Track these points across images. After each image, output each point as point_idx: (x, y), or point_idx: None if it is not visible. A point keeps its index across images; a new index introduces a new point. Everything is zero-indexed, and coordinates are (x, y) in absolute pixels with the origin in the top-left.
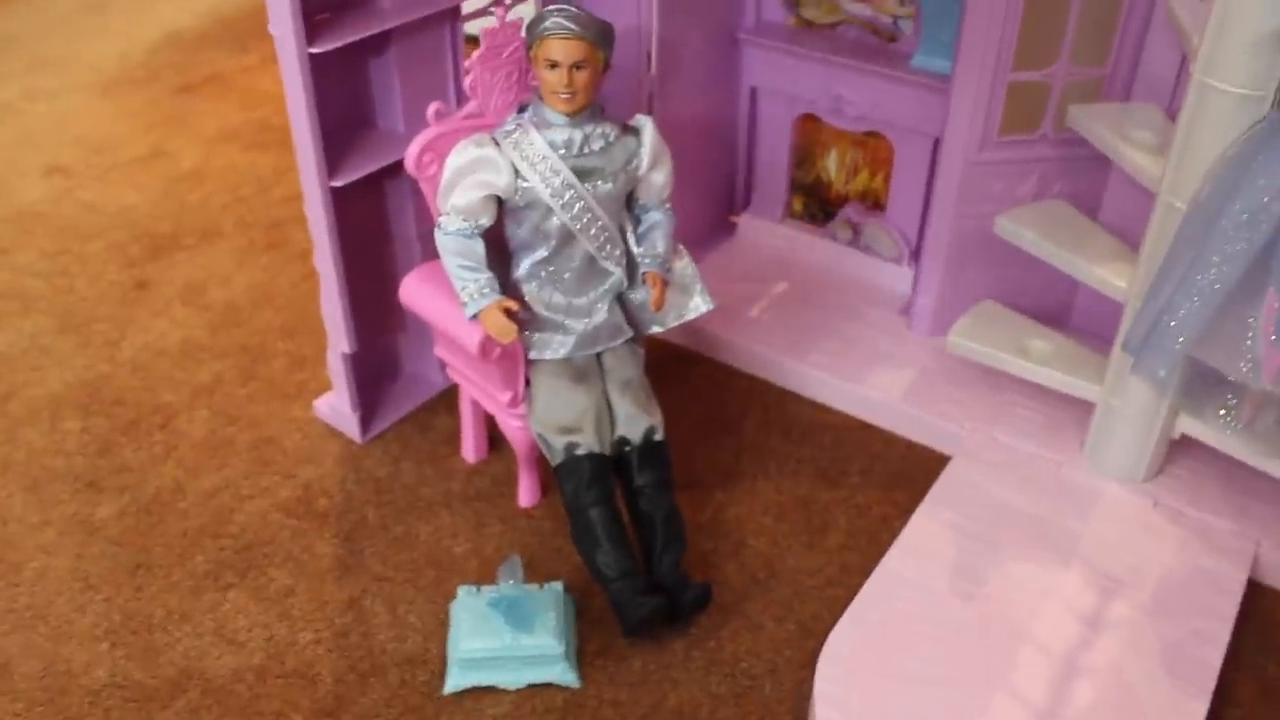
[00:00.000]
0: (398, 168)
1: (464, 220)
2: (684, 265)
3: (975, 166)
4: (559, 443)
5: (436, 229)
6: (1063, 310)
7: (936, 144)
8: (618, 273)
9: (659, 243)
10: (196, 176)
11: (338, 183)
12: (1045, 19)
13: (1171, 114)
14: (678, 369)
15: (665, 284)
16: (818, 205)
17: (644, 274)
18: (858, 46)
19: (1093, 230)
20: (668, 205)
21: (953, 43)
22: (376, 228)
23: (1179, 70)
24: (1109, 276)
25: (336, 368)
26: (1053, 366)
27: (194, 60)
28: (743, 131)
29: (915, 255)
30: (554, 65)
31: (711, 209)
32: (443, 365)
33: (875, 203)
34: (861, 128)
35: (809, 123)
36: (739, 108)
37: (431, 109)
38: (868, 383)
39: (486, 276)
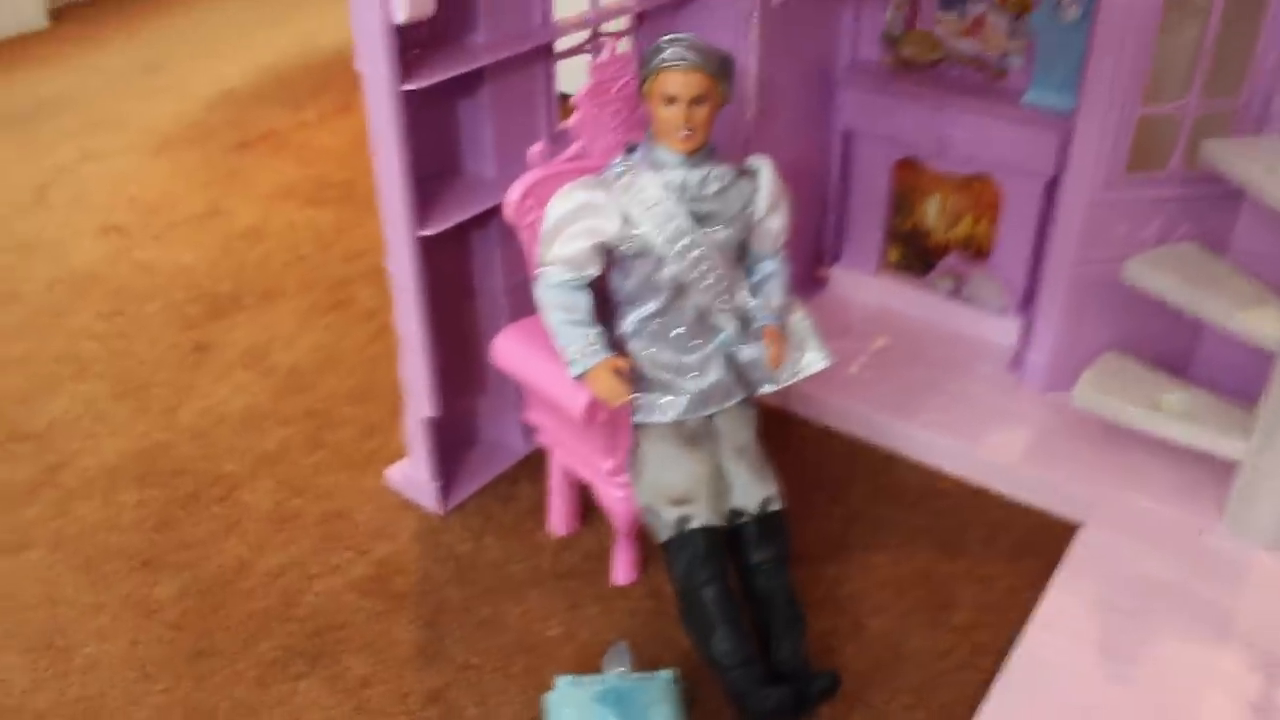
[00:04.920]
0: (486, 217)
1: (569, 271)
2: (799, 318)
3: (1100, 207)
4: (670, 515)
5: (537, 281)
6: (1183, 361)
7: (1049, 185)
8: (729, 328)
9: (775, 294)
10: (255, 234)
11: (428, 232)
12: (1177, 49)
13: None
14: (773, 430)
15: (783, 340)
16: (916, 255)
17: (761, 328)
18: (963, 84)
19: (1230, 274)
20: (782, 254)
21: (1068, 78)
22: (460, 282)
23: None
24: (1259, 324)
25: (415, 434)
26: (1190, 422)
27: (249, 118)
28: (835, 178)
29: (1022, 305)
30: (672, 100)
31: (801, 261)
32: (531, 430)
33: (978, 251)
34: (969, 169)
35: (907, 167)
36: (832, 152)
37: (534, 149)
38: (982, 443)
39: (594, 332)
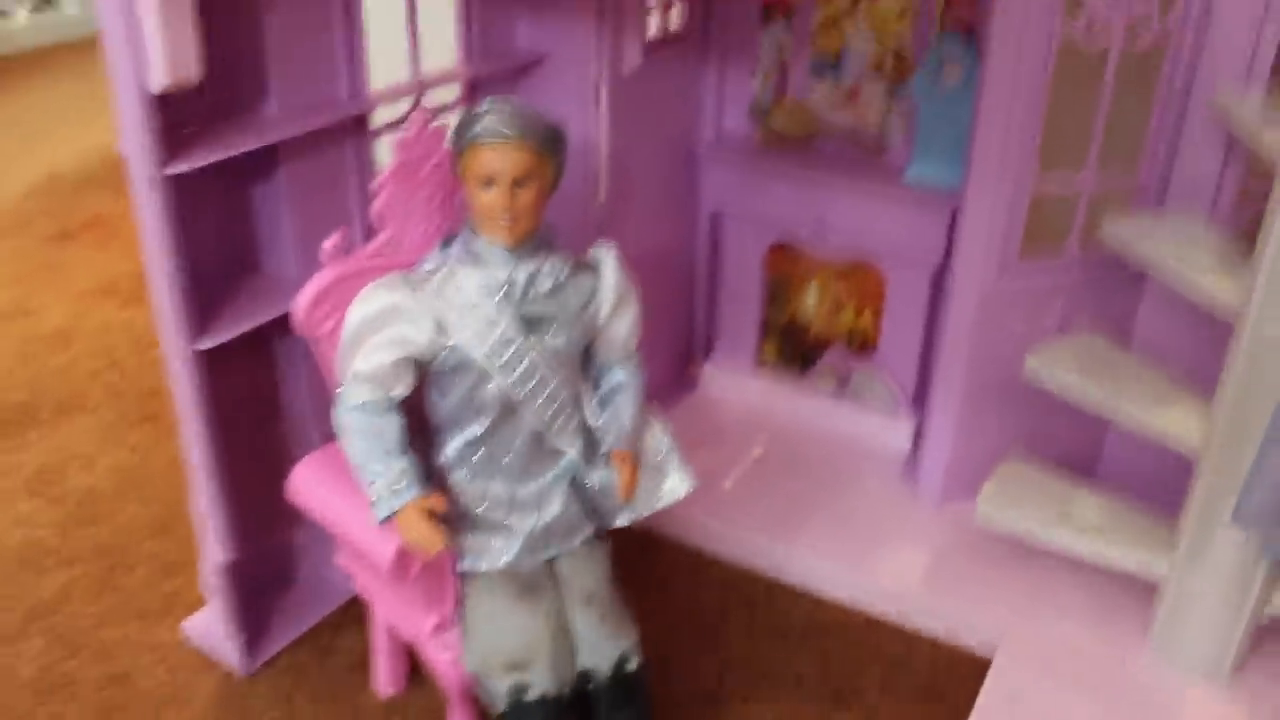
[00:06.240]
0: (288, 322)
1: (371, 391)
2: (656, 438)
3: (993, 297)
4: (503, 685)
5: (336, 402)
6: (1089, 460)
7: (937, 271)
8: (571, 453)
9: (625, 411)
10: (62, 337)
11: (206, 344)
12: (1069, 121)
13: (1215, 221)
14: (634, 557)
15: (636, 465)
16: (794, 350)
17: (609, 453)
18: (840, 160)
19: (1137, 368)
20: (634, 360)
21: (951, 150)
22: (263, 400)
23: (1220, 172)
24: (1175, 428)
25: (213, 580)
26: (1106, 538)
27: (74, 205)
28: (702, 266)
29: (914, 404)
30: (490, 182)
31: (667, 359)
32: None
33: (863, 344)
34: (850, 255)
35: (782, 253)
36: (698, 237)
37: (329, 243)
38: (875, 567)
39: (400, 466)
